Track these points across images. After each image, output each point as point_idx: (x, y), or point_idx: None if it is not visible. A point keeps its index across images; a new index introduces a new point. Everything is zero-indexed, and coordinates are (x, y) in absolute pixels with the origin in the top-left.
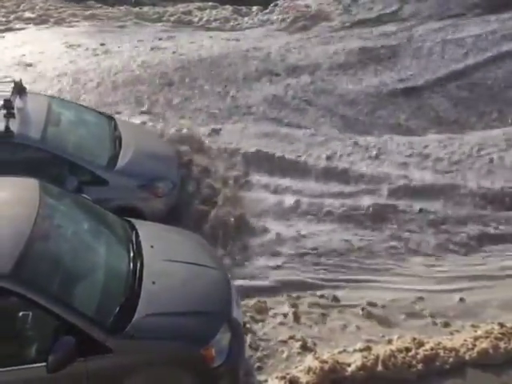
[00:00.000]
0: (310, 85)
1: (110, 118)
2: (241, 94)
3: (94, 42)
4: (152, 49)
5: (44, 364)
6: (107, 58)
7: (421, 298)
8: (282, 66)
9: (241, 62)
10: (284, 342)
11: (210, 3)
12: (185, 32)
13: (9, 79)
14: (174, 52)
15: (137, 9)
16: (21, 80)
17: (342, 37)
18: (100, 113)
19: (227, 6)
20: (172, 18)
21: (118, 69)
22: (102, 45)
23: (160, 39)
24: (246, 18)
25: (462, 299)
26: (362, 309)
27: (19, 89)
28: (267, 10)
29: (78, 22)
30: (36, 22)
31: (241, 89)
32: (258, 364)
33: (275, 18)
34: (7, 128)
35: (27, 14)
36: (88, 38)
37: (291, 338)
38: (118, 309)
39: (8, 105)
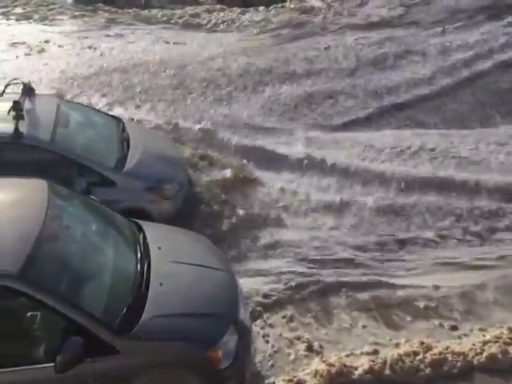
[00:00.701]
0: (203, 101)
1: (119, 120)
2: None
3: (39, 40)
4: (89, 47)
5: (52, 364)
6: (34, 58)
7: None
8: (194, 80)
9: (153, 72)
10: (290, 342)
11: (218, 6)
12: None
13: (18, 81)
14: (101, 54)
15: (145, 11)
16: (29, 82)
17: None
18: (108, 115)
19: (235, 8)
20: (180, 21)
21: (30, 70)
22: (46, 42)
23: (108, 35)
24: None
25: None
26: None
27: (28, 90)
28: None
29: (61, 20)
30: (19, 18)
31: (138, 104)
32: (265, 365)
33: (258, 22)
34: (16, 129)
35: (17, 10)
36: (42, 36)
37: (297, 338)
38: (125, 310)
39: (17, 106)
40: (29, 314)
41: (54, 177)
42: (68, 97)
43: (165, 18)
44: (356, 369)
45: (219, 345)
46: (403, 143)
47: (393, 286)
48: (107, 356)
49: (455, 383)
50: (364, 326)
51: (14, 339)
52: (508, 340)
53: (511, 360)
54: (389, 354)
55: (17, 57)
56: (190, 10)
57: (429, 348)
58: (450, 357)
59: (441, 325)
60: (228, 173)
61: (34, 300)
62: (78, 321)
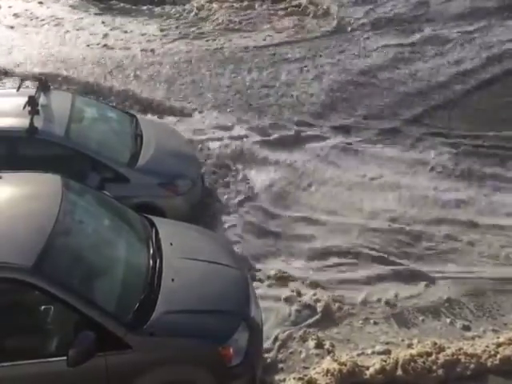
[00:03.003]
0: None
1: (132, 116)
2: None
3: None
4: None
5: (64, 358)
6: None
7: None
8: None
9: None
10: (301, 339)
11: None
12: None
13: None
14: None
15: (158, 8)
16: (45, 77)
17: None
18: (122, 111)
19: (245, 2)
20: (189, 16)
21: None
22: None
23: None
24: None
25: None
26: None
27: (43, 86)
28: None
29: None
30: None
31: None
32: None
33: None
34: (31, 124)
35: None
36: None
37: (308, 335)
38: (137, 305)
39: (32, 101)
40: (42, 307)
41: (67, 172)
42: None
43: (177, 15)
44: (367, 369)
45: (230, 342)
46: None
47: None
48: (119, 351)
49: None
50: (376, 323)
51: (27, 332)
52: None
53: None
54: (401, 354)
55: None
56: (195, 2)
57: (441, 349)
58: (463, 358)
59: (452, 324)
60: None
61: (47, 294)
62: (91, 315)
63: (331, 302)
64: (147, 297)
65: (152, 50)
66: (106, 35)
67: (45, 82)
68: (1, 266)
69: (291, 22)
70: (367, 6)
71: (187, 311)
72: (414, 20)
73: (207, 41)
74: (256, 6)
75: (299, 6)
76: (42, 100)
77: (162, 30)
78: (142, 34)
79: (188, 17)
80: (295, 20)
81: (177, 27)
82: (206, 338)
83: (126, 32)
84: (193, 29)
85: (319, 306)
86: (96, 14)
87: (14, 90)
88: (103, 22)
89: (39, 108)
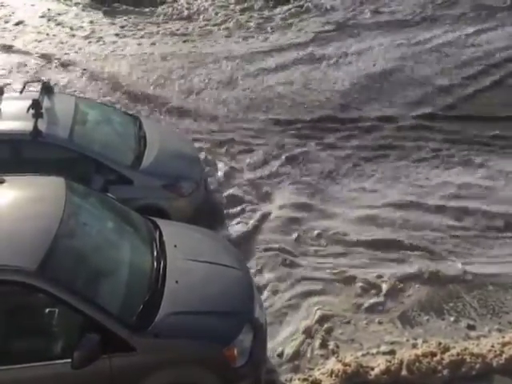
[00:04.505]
0: None
1: (136, 118)
2: None
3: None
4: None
5: (69, 360)
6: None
7: None
8: None
9: None
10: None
11: None
12: None
13: (37, 80)
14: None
15: (159, 9)
16: (49, 80)
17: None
18: (125, 112)
19: (245, 4)
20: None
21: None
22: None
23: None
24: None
25: None
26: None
27: (47, 89)
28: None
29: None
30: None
31: None
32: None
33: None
34: (35, 127)
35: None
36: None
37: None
38: (141, 307)
39: (36, 104)
40: (46, 310)
41: (71, 174)
42: None
43: (169, 14)
44: (372, 369)
45: (234, 343)
46: None
47: None
48: (124, 353)
49: None
50: (380, 323)
51: (32, 335)
52: None
53: None
54: (406, 354)
55: None
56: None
57: (446, 349)
58: (468, 358)
59: (457, 323)
60: None
61: (52, 297)
62: (95, 318)
63: (395, 283)
64: (151, 299)
65: (10, 47)
66: (19, 23)
67: (48, 85)
68: (5, 269)
69: (291, 24)
70: (371, 5)
71: (191, 313)
72: (420, 20)
73: (107, 43)
74: (255, 6)
75: (301, 6)
76: (45, 103)
77: (91, 22)
78: (59, 24)
79: (160, 16)
80: (295, 21)
81: (112, 24)
82: (211, 339)
83: (49, 20)
84: (135, 31)
85: (384, 288)
86: (68, 5)
87: (18, 93)
88: (49, 9)
89: (43, 111)
